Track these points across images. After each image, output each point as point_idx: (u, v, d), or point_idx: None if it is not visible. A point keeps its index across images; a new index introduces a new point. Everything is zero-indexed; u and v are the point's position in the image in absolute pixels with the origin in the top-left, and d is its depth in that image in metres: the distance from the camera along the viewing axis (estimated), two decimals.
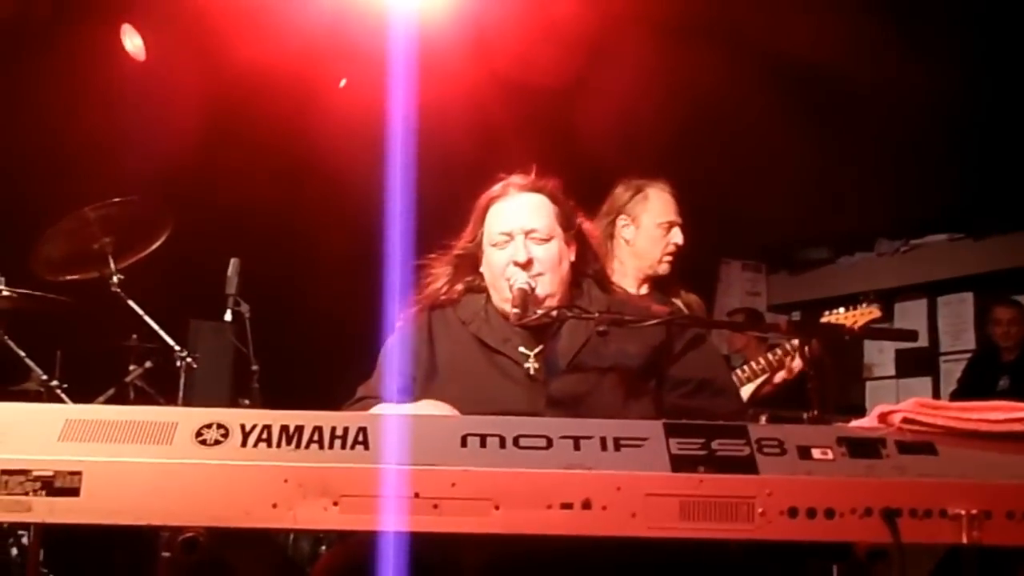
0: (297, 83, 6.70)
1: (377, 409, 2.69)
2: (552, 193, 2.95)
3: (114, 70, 5.78)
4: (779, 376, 4.01)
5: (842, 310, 4.23)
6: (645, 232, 3.98)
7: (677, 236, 3.99)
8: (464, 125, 6.01)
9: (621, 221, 4.01)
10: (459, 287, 2.99)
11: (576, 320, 2.81)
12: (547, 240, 2.86)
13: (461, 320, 2.92)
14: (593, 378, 2.80)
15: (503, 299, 2.85)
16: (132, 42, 6.09)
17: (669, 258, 4.00)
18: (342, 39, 5.93)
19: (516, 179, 2.96)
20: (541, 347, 2.82)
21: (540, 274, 2.83)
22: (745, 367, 4.19)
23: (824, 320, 4.17)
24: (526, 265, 2.81)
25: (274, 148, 6.35)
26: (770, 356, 4.10)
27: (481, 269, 2.95)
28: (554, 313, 2.76)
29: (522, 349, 2.82)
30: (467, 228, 3.00)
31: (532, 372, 2.79)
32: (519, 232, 2.85)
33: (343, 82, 6.65)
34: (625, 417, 2.64)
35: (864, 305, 4.23)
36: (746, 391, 4.10)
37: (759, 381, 4.11)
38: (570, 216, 2.96)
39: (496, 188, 2.97)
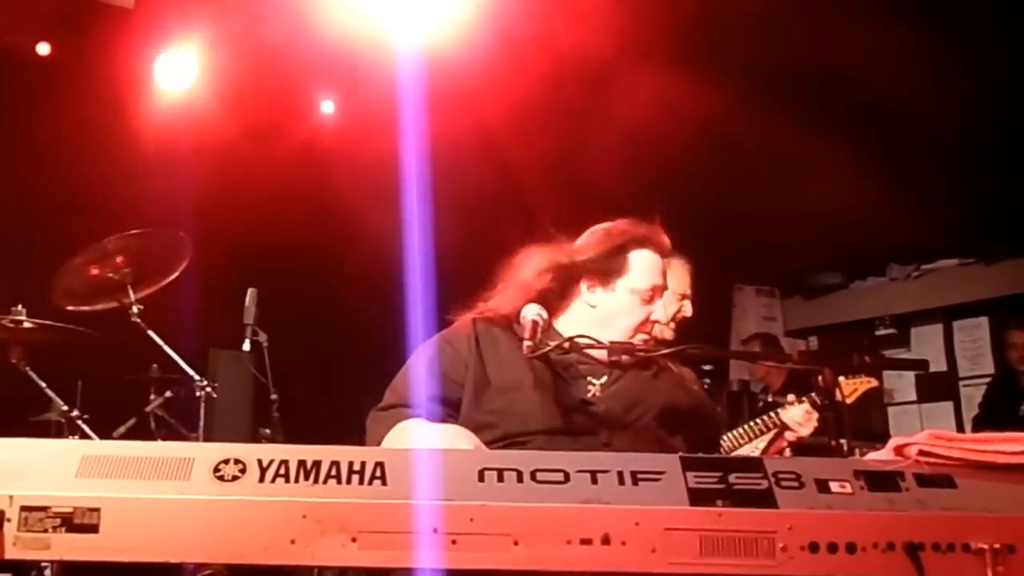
0: (313, 114, 6.75)
1: (407, 426, 2.68)
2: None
3: (132, 102, 5.83)
4: (788, 437, 4.04)
5: (841, 378, 4.28)
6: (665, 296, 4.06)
7: (687, 308, 4.05)
8: (476, 155, 6.03)
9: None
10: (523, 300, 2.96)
11: (643, 366, 2.90)
12: None
13: (521, 337, 2.85)
14: (635, 417, 2.84)
15: (618, 340, 2.90)
16: (175, 72, 6.15)
17: (675, 324, 4.05)
18: (356, 71, 5.97)
19: (661, 233, 3.04)
20: (605, 378, 2.87)
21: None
22: (738, 430, 4.27)
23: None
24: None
25: (291, 178, 6.37)
26: (759, 422, 4.17)
27: (591, 297, 2.97)
28: (566, 345, 2.77)
29: (591, 378, 2.87)
30: (591, 240, 3.02)
31: (592, 398, 2.84)
32: (660, 292, 2.97)
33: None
34: None
35: (863, 376, 4.32)
36: (744, 451, 4.17)
37: (759, 443, 4.16)
38: None
39: (641, 229, 3.03)
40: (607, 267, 2.95)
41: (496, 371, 2.86)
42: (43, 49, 5.81)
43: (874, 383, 4.42)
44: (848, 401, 4.24)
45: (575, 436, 2.69)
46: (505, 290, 3.00)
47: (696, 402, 2.99)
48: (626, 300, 2.94)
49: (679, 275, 4.09)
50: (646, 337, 2.93)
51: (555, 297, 2.95)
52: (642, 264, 2.96)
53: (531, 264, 2.98)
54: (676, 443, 2.83)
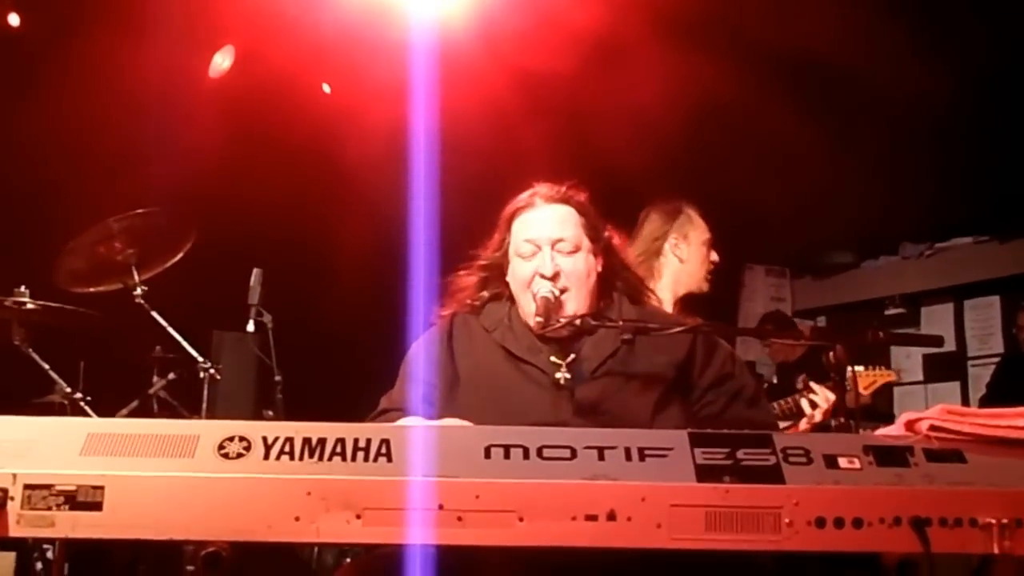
0: (318, 92, 6.72)
1: (401, 424, 2.68)
2: (579, 204, 2.93)
3: (136, 82, 5.80)
4: (804, 424, 3.96)
5: (860, 368, 4.24)
6: (695, 250, 4.02)
7: (714, 254, 4.05)
8: (485, 132, 6.01)
9: (672, 240, 4.04)
10: (484, 294, 2.97)
11: (604, 330, 2.80)
12: (574, 252, 2.84)
13: (484, 328, 2.90)
14: (619, 388, 2.77)
15: (528, 311, 2.83)
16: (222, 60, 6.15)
17: (709, 276, 4.05)
18: (362, 49, 5.94)
19: (543, 189, 2.94)
20: (573, 356, 2.80)
21: (566, 288, 2.81)
22: None
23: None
24: (553, 278, 2.80)
25: (296, 158, 6.35)
26: (783, 404, 4.11)
27: (507, 279, 2.94)
28: (578, 322, 2.75)
29: (554, 359, 2.79)
30: (492, 237, 2.98)
31: (562, 381, 2.76)
32: (546, 243, 2.83)
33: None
34: (653, 428, 2.63)
35: (882, 368, 4.28)
36: None
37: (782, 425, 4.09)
38: (597, 227, 2.94)
39: (523, 197, 2.95)
40: (503, 250, 2.97)
41: (465, 367, 2.85)
42: (13, 20, 5.77)
43: (892, 376, 4.37)
44: (866, 392, 4.20)
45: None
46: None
47: (681, 355, 2.85)
48: (515, 265, 2.91)
49: (698, 223, 4.09)
50: (548, 293, 2.80)
51: None
52: (519, 226, 2.92)
53: (467, 290, 3.02)
54: (672, 411, 2.79)
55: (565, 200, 2.92)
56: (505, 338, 2.85)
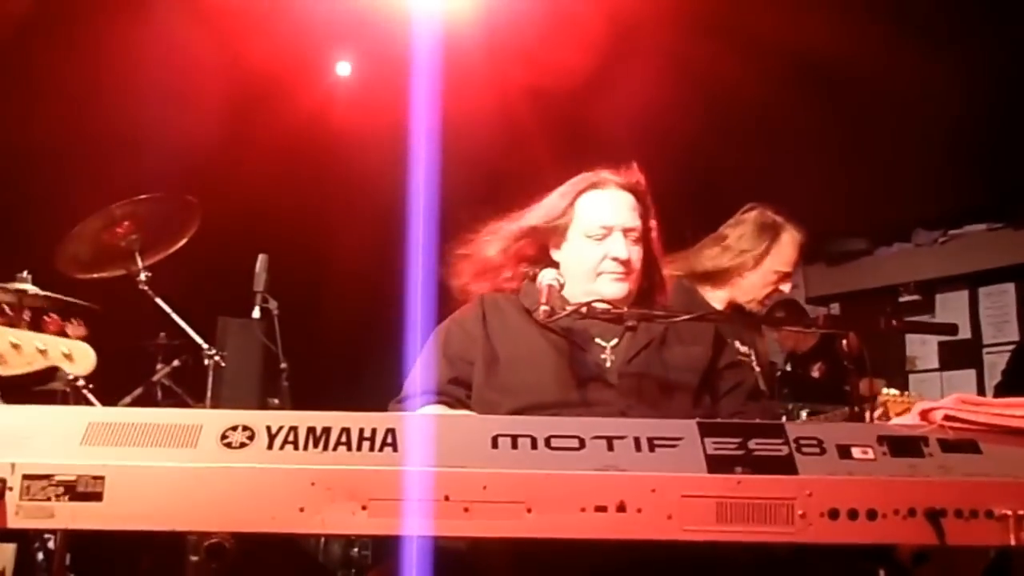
0: (323, 80, 6.70)
1: (426, 412, 2.66)
2: (642, 194, 2.95)
3: (139, 66, 5.77)
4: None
5: (895, 391, 4.22)
6: (761, 272, 3.99)
7: (786, 286, 4.00)
8: (486, 123, 5.98)
9: (753, 257, 4.03)
10: (522, 269, 2.97)
11: (646, 323, 2.82)
12: (638, 243, 2.89)
13: (526, 308, 2.89)
14: (660, 375, 2.78)
15: (586, 291, 2.84)
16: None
17: (767, 302, 4.02)
18: (367, 38, 5.92)
19: (610, 174, 2.95)
20: (616, 341, 2.83)
21: (629, 274, 2.85)
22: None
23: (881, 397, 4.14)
24: (625, 262, 2.83)
25: (301, 144, 6.33)
26: (838, 413, 4.07)
27: (556, 255, 2.94)
28: (583, 310, 2.74)
29: (598, 341, 2.82)
30: (545, 202, 2.97)
31: (607, 364, 2.78)
32: (619, 229, 2.85)
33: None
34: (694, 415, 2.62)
35: (910, 394, 4.26)
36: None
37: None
38: (648, 219, 2.97)
39: (590, 176, 2.95)
40: (562, 223, 2.92)
41: (504, 345, 2.84)
42: None
43: (922, 401, 4.34)
44: (898, 418, 4.17)
45: (589, 407, 2.66)
46: (464, 273, 3.01)
47: (709, 343, 2.91)
48: (580, 245, 2.89)
49: (785, 251, 4.05)
50: (617, 276, 2.85)
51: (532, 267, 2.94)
52: (589, 206, 2.90)
53: (492, 247, 2.99)
54: (703, 401, 2.80)
55: (632, 189, 2.93)
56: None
